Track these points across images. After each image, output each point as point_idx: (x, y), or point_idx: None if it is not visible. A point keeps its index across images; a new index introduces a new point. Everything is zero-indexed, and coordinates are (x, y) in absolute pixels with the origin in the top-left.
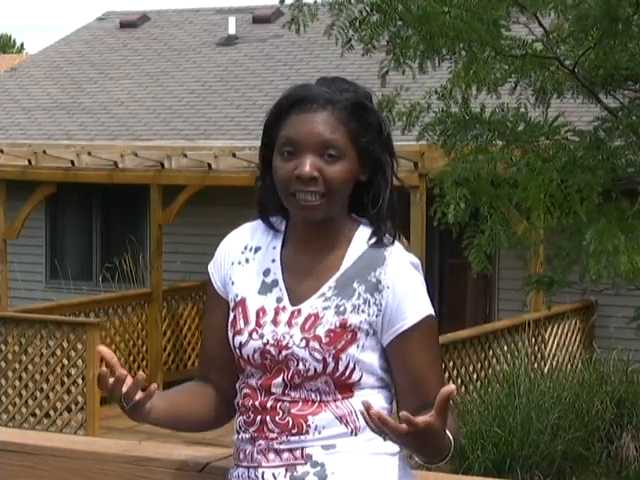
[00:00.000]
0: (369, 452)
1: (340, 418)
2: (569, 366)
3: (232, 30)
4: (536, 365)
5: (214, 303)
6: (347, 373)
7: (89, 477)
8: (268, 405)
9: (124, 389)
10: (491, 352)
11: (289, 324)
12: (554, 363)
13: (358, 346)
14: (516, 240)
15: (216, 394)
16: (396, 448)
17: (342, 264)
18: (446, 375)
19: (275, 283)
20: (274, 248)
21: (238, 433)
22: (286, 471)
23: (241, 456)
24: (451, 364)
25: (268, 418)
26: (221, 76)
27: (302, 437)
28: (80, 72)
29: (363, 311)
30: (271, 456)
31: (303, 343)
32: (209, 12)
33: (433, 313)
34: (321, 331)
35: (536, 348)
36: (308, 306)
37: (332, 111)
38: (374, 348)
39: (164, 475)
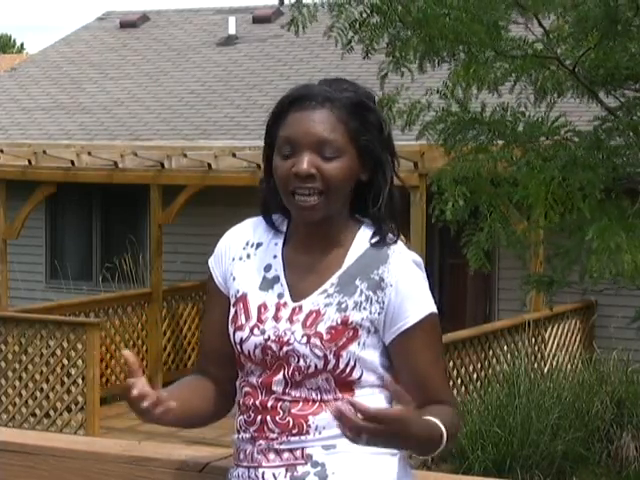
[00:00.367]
0: (369, 452)
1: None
2: (569, 366)
3: (232, 30)
4: (536, 365)
5: (215, 299)
6: (348, 370)
7: (89, 477)
8: (269, 405)
9: (144, 404)
10: (491, 352)
11: (290, 320)
12: (554, 363)
13: (359, 344)
14: (515, 239)
15: (215, 388)
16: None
17: (344, 261)
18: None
19: (276, 279)
20: (276, 244)
21: (238, 433)
22: (286, 471)
23: (241, 456)
24: (451, 364)
25: (268, 418)
26: (221, 76)
27: (302, 437)
28: (80, 72)
29: (365, 308)
30: (271, 456)
31: (304, 339)
32: (209, 12)
33: (436, 311)
34: (322, 328)
35: (536, 348)
36: (310, 302)
37: (331, 109)
38: (375, 346)
39: (164, 475)
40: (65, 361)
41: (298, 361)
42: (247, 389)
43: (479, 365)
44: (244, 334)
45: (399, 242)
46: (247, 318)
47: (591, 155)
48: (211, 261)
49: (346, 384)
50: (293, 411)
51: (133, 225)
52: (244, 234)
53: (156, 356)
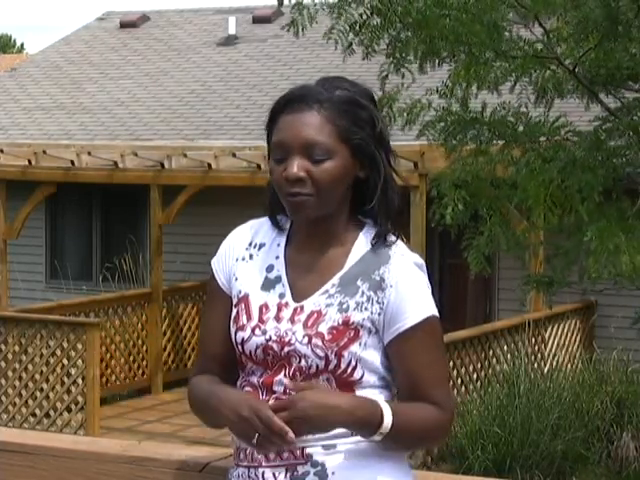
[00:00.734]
0: (369, 452)
1: None
2: (569, 366)
3: (232, 30)
4: (536, 365)
5: (217, 299)
6: (349, 371)
7: (89, 477)
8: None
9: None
10: (491, 352)
11: (292, 320)
12: (554, 363)
13: (360, 344)
14: (515, 241)
15: None
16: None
17: (346, 262)
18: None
19: (278, 279)
20: (278, 245)
21: None
22: (286, 471)
23: (241, 456)
24: (451, 364)
25: None
26: (221, 76)
27: (302, 437)
28: (80, 72)
29: (366, 309)
30: (271, 456)
31: (305, 340)
32: (209, 12)
33: (436, 314)
34: (324, 328)
35: (536, 348)
36: (311, 303)
37: (319, 110)
38: (376, 346)
39: (164, 475)
40: (65, 361)
41: (299, 361)
42: (248, 389)
43: (479, 365)
44: (245, 334)
45: (401, 243)
46: (248, 318)
47: (591, 156)
48: (214, 262)
49: (347, 384)
50: None
51: (133, 225)
52: (247, 235)
53: (156, 356)
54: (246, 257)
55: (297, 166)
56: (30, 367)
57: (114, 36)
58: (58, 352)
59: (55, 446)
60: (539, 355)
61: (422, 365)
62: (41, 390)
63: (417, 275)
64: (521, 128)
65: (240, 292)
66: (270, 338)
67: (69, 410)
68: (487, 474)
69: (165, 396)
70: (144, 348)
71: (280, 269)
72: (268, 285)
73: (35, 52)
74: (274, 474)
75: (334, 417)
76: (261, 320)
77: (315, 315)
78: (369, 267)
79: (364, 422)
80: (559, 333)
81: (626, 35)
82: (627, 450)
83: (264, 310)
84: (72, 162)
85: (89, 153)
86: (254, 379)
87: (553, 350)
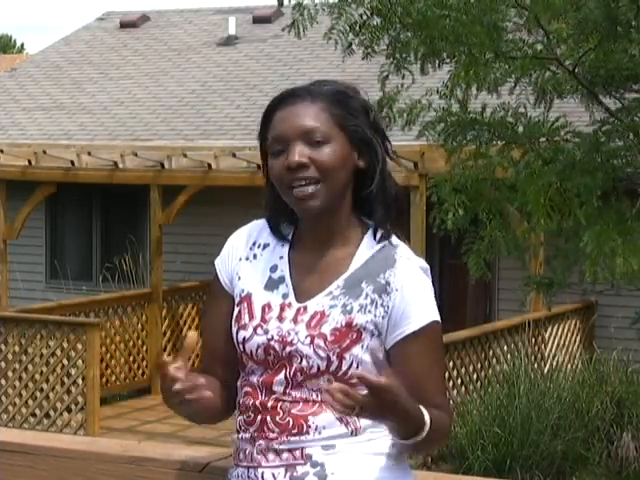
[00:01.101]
0: (369, 452)
1: (340, 418)
2: (569, 366)
3: (232, 30)
4: (536, 365)
5: (220, 299)
6: (350, 373)
7: (89, 477)
8: (269, 405)
9: (177, 387)
10: (491, 352)
11: (295, 321)
12: (554, 363)
13: (362, 346)
14: (514, 243)
15: (222, 387)
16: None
17: (351, 264)
18: (446, 375)
19: (282, 279)
20: (282, 245)
21: (238, 432)
22: (286, 471)
23: (241, 456)
24: (451, 364)
25: (268, 418)
26: (221, 76)
27: (302, 437)
28: (80, 72)
29: (370, 311)
30: (271, 456)
31: (308, 340)
32: (209, 12)
33: (438, 319)
34: (327, 329)
35: (536, 348)
36: (314, 304)
37: (313, 101)
38: (378, 349)
39: (164, 475)
40: (65, 361)
41: (301, 361)
42: (247, 389)
43: (479, 365)
44: (247, 333)
45: (405, 245)
46: (251, 317)
47: (590, 158)
48: (217, 261)
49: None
50: (293, 411)
51: (133, 225)
52: (251, 235)
53: (156, 356)
54: (250, 257)
55: (298, 152)
56: (30, 367)
57: (114, 36)
58: (58, 352)
59: (55, 446)
60: (539, 355)
61: (423, 368)
62: (41, 390)
63: (422, 280)
64: (521, 129)
65: (243, 291)
66: (272, 338)
67: (69, 410)
68: (487, 474)
69: None
70: (144, 348)
71: (284, 269)
72: (271, 285)
73: (35, 52)
74: (273, 474)
75: (391, 416)
76: (263, 319)
77: (318, 316)
78: (374, 270)
79: (413, 422)
80: (559, 333)
81: (626, 36)
82: (627, 450)
83: (267, 310)
84: (72, 162)
85: (89, 153)
86: (254, 379)
87: (553, 350)
